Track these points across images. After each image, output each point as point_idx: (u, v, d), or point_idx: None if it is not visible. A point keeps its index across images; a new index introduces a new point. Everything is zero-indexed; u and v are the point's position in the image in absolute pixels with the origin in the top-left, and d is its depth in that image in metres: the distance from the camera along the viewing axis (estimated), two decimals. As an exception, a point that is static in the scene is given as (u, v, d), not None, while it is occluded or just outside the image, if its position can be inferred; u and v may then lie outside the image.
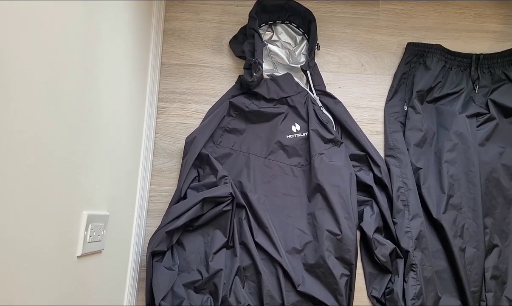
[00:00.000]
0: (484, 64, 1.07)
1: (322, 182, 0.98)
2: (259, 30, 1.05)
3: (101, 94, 0.66)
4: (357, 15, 1.13)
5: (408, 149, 1.03)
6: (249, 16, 1.03)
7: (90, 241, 0.61)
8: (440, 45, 1.06)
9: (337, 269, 0.95)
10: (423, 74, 1.06)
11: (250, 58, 1.00)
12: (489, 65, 1.07)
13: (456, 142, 1.01)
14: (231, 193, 0.96)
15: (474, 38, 1.13)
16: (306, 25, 1.08)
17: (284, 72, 1.06)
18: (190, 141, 1.00)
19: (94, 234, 0.62)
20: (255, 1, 1.05)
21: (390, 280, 0.98)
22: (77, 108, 0.58)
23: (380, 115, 1.07)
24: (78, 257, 0.59)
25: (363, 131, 1.06)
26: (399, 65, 1.08)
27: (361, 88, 1.09)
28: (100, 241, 0.65)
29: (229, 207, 0.98)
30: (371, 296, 0.98)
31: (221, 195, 0.96)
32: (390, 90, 1.08)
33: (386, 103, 1.08)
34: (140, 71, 0.91)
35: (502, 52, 1.07)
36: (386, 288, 0.97)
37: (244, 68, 1.03)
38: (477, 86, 1.07)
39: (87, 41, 0.60)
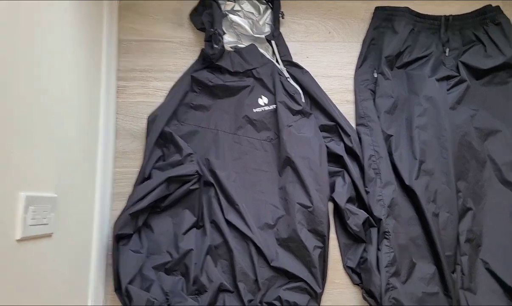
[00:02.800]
0: (454, 26, 1.07)
1: (291, 154, 0.98)
2: (219, 0, 1.01)
3: (39, 67, 0.62)
4: None
5: (378, 117, 1.03)
6: (207, -15, 0.99)
7: (33, 224, 0.59)
8: (408, 8, 1.06)
9: (310, 241, 0.95)
10: (391, 39, 1.06)
11: (210, 29, 0.97)
12: (459, 26, 1.07)
13: (426, 106, 1.01)
14: (197, 171, 0.95)
15: (444, 0, 1.10)
16: (270, -7, 1.04)
17: (248, 44, 1.03)
18: (152, 120, 0.99)
19: (38, 216, 0.61)
20: (214, -30, 1.00)
21: (364, 249, 0.98)
22: (6, 82, 0.54)
23: (350, 84, 1.07)
24: (17, 240, 0.56)
25: (333, 101, 1.07)
26: (367, 31, 1.10)
27: (329, 56, 1.09)
28: (47, 224, 0.64)
29: (196, 186, 0.98)
30: (346, 267, 1.00)
31: (187, 173, 0.96)
32: (359, 58, 1.08)
33: (355, 71, 1.08)
34: (92, 48, 0.88)
35: (471, 12, 1.08)
36: (361, 257, 0.99)
37: (205, 41, 1.01)
38: (448, 49, 1.06)
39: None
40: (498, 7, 1.09)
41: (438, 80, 1.07)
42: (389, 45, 1.08)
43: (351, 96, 1.09)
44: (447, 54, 1.10)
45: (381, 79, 1.08)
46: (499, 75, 1.09)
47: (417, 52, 1.09)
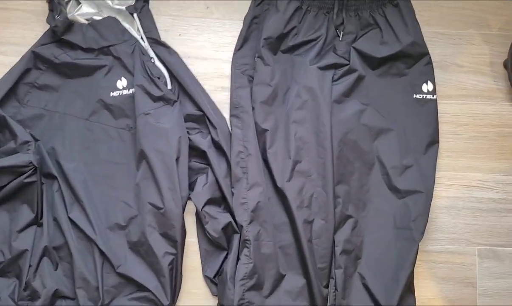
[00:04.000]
0: (350, 6, 0.94)
1: (145, 147, 0.89)
2: None
3: None
4: None
5: (253, 108, 0.89)
6: None
7: None
8: None
9: (160, 246, 0.87)
10: (273, 18, 0.95)
11: None
12: (356, 7, 0.94)
13: (305, 98, 0.91)
14: (31, 162, 0.83)
15: None
16: (137, -43, 0.91)
17: (106, 16, 0.89)
18: (-19, 101, 0.85)
19: None
20: None
21: (225, 257, 0.86)
22: None
23: (227, 68, 0.98)
24: None
25: (207, 87, 0.98)
26: (249, 7, 0.93)
27: (206, 35, 0.98)
28: None
29: (33, 178, 0.87)
30: (205, 276, 0.90)
31: (18, 164, 0.87)
32: (239, 38, 0.98)
33: (234, 53, 0.95)
34: None
35: None
36: (221, 266, 0.89)
37: (48, 10, 0.85)
38: (341, 33, 0.93)
39: None
40: (397, -14, 0.97)
41: (322, 68, 0.95)
42: (269, 25, 0.95)
43: (227, 83, 0.98)
44: (340, 38, 0.98)
45: (259, 65, 0.96)
46: (396, 65, 0.97)
47: (304, 35, 0.96)
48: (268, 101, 0.96)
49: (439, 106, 0.98)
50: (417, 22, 0.96)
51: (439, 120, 0.97)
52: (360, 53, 0.97)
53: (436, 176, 0.96)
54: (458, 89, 1.02)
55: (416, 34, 0.95)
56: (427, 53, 0.96)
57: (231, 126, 0.95)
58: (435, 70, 0.98)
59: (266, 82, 0.96)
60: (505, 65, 1.03)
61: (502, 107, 1.02)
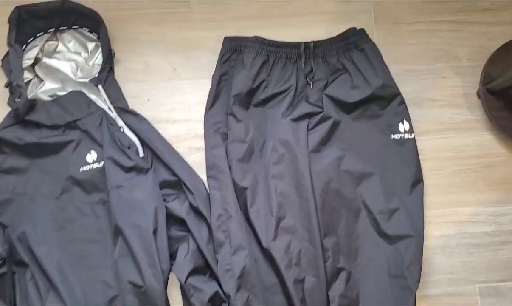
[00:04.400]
0: (316, 53, 0.94)
1: (120, 222, 0.86)
2: (36, 40, 0.88)
3: None
4: (164, 10, 1.02)
5: (230, 167, 0.87)
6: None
7: None
8: (258, 37, 0.93)
9: None
10: (240, 74, 0.94)
11: (9, 81, 0.81)
12: (323, 54, 0.93)
13: (282, 152, 0.89)
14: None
15: (308, 23, 1.05)
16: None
17: (70, 91, 0.87)
18: None
19: None
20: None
21: None
22: None
23: (200, 128, 0.96)
24: None
25: (181, 149, 0.96)
26: (216, 65, 0.92)
27: (175, 97, 0.97)
28: None
29: (3, 270, 0.81)
30: None
31: None
32: (209, 97, 0.96)
33: (206, 112, 0.93)
34: None
35: (334, 37, 0.95)
36: None
37: (9, 93, 0.83)
38: (312, 80, 0.92)
39: None
40: (362, 30, 0.98)
41: (295, 120, 0.94)
42: (237, 82, 0.95)
43: (201, 143, 0.95)
44: (311, 86, 0.97)
45: (232, 122, 0.95)
46: (370, 107, 0.97)
47: (275, 87, 0.96)
48: (244, 158, 0.94)
49: (419, 144, 0.96)
50: (385, 64, 0.96)
51: (420, 157, 0.96)
52: (333, 99, 0.96)
53: (425, 215, 0.93)
54: (435, 124, 1.01)
55: (385, 76, 0.95)
56: (398, 94, 0.95)
57: (209, 188, 0.92)
58: (410, 107, 0.98)
59: (240, 139, 0.94)
60: (479, 94, 1.03)
61: (482, 138, 1.00)
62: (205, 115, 0.97)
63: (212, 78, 0.98)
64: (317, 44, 0.98)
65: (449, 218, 0.97)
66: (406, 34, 1.05)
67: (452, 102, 1.02)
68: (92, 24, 0.98)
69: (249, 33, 0.99)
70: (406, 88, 1.00)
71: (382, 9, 1.06)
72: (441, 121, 1.01)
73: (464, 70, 1.04)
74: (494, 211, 0.98)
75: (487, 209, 0.98)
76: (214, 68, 0.98)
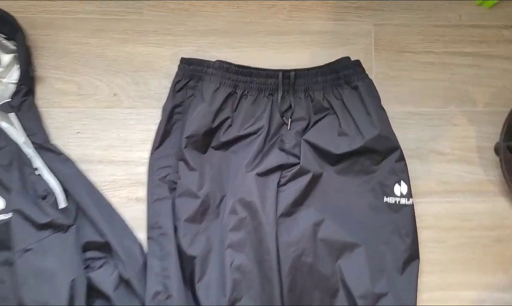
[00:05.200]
0: (298, 85, 0.74)
1: (25, 298, 0.68)
2: None
3: None
4: (107, 15, 0.81)
5: (176, 228, 0.68)
6: None
7: None
8: (222, 61, 0.73)
9: None
10: (197, 108, 0.73)
11: None
12: (306, 86, 0.74)
13: (243, 216, 0.71)
14: None
15: (291, 44, 0.83)
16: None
17: None
18: None
19: None
20: None
21: None
22: None
23: (143, 173, 0.77)
24: None
25: (116, 199, 0.77)
26: (169, 93, 0.72)
27: (113, 131, 0.78)
28: None
29: None
30: None
31: None
32: (157, 133, 0.76)
33: (151, 153, 0.74)
34: None
35: (322, 67, 0.74)
36: None
37: None
38: (290, 120, 0.73)
39: None
40: (357, 62, 0.77)
41: (263, 174, 0.73)
42: (192, 120, 0.74)
43: (144, 192, 0.75)
44: (289, 127, 0.78)
45: (183, 169, 0.74)
46: (360, 161, 0.77)
47: (241, 128, 0.75)
48: (195, 218, 0.73)
49: (418, 207, 0.77)
50: (383, 109, 0.76)
51: (419, 225, 0.76)
52: (314, 147, 0.75)
53: (418, 298, 0.76)
54: (440, 183, 0.81)
55: (382, 125, 0.74)
56: (397, 148, 0.75)
57: (147, 255, 0.73)
58: (410, 160, 0.79)
59: (192, 192, 0.73)
60: (497, 150, 0.84)
61: (496, 204, 0.81)
62: (150, 157, 0.76)
63: (162, 110, 0.77)
64: (299, 73, 0.77)
65: (448, 302, 0.78)
66: (412, 66, 0.84)
67: (463, 157, 0.82)
68: (9, 29, 0.77)
69: (215, 53, 0.79)
70: (407, 136, 0.81)
71: (385, 32, 0.85)
72: (448, 181, 0.82)
73: (481, 118, 0.84)
74: (504, 298, 0.79)
75: (496, 294, 0.79)
76: (166, 97, 0.77)
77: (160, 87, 0.79)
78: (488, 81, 0.85)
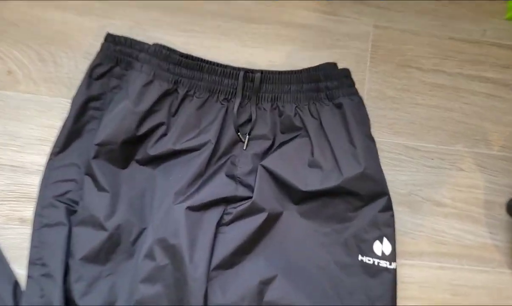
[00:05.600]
0: (265, 92, 0.56)
1: None
2: None
3: None
4: None
5: (68, 268, 0.50)
6: None
7: None
8: (162, 46, 0.53)
9: None
10: (119, 106, 0.51)
11: None
12: (275, 95, 0.55)
13: (162, 263, 0.53)
14: None
15: (260, 35, 0.65)
16: None
17: None
18: None
19: None
20: None
21: None
22: None
23: (35, 184, 0.58)
24: None
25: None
26: (83, 80, 0.53)
27: (1, 123, 0.53)
28: None
29: None
30: None
31: None
32: (61, 133, 0.55)
33: (50, 159, 0.55)
34: None
35: (300, 71, 0.56)
36: None
37: None
38: (247, 138, 0.54)
39: None
40: (345, 72, 0.57)
41: (198, 208, 0.52)
42: (109, 121, 0.53)
43: (32, 212, 0.53)
44: (244, 147, 0.60)
45: (88, 188, 0.53)
46: (333, 203, 0.58)
47: (178, 140, 0.54)
48: (98, 257, 0.53)
49: (401, 270, 0.60)
50: (372, 139, 0.57)
51: (399, 293, 0.59)
52: (274, 177, 0.56)
53: None
54: (433, 242, 0.62)
55: (368, 160, 0.55)
56: (385, 194, 0.56)
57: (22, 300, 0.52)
58: (399, 208, 0.61)
59: (97, 221, 0.53)
60: (510, 209, 0.68)
61: (500, 278, 0.62)
62: (47, 163, 0.55)
63: (72, 102, 0.56)
64: (267, 76, 0.58)
65: None
66: (416, 86, 0.65)
67: (466, 212, 0.63)
68: None
69: (156, 34, 0.59)
70: (398, 177, 0.62)
71: (387, 37, 0.65)
72: (443, 240, 0.62)
73: (494, 164, 0.65)
74: None
75: None
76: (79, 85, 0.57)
77: (76, 70, 0.58)
78: (508, 119, 0.66)
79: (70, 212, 0.55)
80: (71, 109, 0.55)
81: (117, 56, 0.56)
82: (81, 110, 0.55)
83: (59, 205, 0.54)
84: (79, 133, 0.56)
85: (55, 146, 0.55)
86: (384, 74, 0.66)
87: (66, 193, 0.55)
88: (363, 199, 0.56)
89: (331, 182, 0.55)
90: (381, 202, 0.56)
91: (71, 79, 0.57)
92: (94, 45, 0.57)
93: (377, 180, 0.56)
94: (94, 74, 0.56)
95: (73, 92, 0.56)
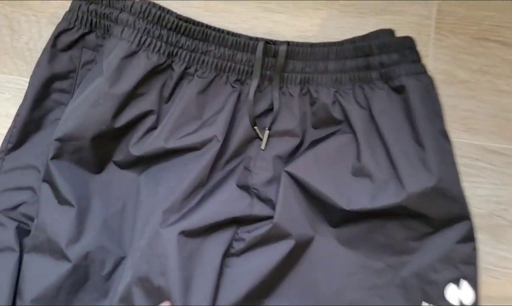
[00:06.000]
0: (291, 72, 0.41)
1: None
2: None
3: None
4: None
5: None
6: None
7: None
8: (154, 3, 0.39)
9: None
10: (89, 88, 0.37)
11: None
12: (305, 76, 0.41)
13: None
14: None
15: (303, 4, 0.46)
16: None
17: None
18: None
19: None
20: None
21: None
22: None
23: None
24: None
25: None
26: (43, 52, 0.39)
27: None
28: None
29: None
30: None
31: None
32: (13, 126, 0.40)
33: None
34: None
35: (341, 42, 0.42)
36: None
37: None
38: (267, 134, 0.40)
39: None
40: (407, 41, 0.41)
41: (193, 234, 0.37)
42: (74, 108, 0.38)
43: None
44: (263, 146, 0.45)
45: (45, 200, 0.38)
46: (386, 227, 0.40)
47: (174, 133, 0.39)
48: (56, 299, 0.38)
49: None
50: (448, 138, 0.40)
51: None
52: (304, 189, 0.41)
53: None
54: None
55: (444, 168, 0.39)
56: (466, 218, 0.40)
57: None
58: (477, 234, 0.47)
59: (56, 247, 0.38)
60: None
61: None
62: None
63: (29, 82, 0.42)
64: (296, 49, 0.43)
65: None
66: (498, 67, 0.47)
67: None
68: None
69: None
70: (477, 192, 0.46)
71: (457, 1, 0.49)
72: (538, 281, 0.51)
73: None
74: None
75: None
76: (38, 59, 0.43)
77: (39, 39, 0.44)
78: None
79: (23, 233, 0.42)
80: (27, 92, 0.41)
81: (92, 18, 0.41)
82: (41, 93, 0.41)
83: (7, 223, 0.41)
84: (39, 125, 0.42)
85: (3, 142, 0.41)
86: (454, 50, 0.50)
87: (18, 205, 0.41)
88: (433, 223, 0.40)
89: (388, 199, 0.39)
90: (459, 229, 0.40)
91: (32, 51, 0.44)
92: (64, 6, 0.44)
93: (455, 197, 0.39)
94: (60, 44, 0.41)
95: (30, 68, 0.44)
